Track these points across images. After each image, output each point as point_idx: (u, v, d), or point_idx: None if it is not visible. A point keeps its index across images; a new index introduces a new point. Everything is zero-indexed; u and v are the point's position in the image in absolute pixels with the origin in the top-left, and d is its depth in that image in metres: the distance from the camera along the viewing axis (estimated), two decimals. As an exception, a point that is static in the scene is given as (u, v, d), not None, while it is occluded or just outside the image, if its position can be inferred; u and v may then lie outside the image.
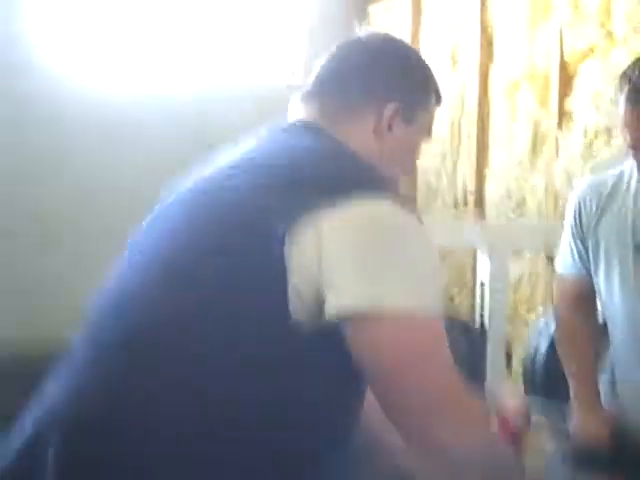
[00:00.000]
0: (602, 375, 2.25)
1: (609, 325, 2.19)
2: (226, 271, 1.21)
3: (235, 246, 1.21)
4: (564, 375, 2.29)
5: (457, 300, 4.01)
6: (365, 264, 1.18)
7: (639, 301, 2.05)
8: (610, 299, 2.12)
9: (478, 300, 2.66)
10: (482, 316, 2.66)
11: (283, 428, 1.21)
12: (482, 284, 2.62)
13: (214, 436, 1.19)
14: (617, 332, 2.15)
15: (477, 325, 2.65)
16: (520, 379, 2.56)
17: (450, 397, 1.22)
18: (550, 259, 3.67)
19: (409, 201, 1.26)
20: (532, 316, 3.71)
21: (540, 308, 3.71)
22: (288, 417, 1.21)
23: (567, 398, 2.28)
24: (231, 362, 1.20)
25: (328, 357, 1.22)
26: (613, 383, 2.22)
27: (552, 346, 2.56)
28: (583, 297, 2.20)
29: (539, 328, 2.70)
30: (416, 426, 1.22)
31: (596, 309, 2.22)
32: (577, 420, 2.23)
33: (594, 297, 2.19)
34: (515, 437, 2.31)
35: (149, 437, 1.19)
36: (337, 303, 1.17)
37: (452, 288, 4.01)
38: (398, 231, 1.22)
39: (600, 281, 2.13)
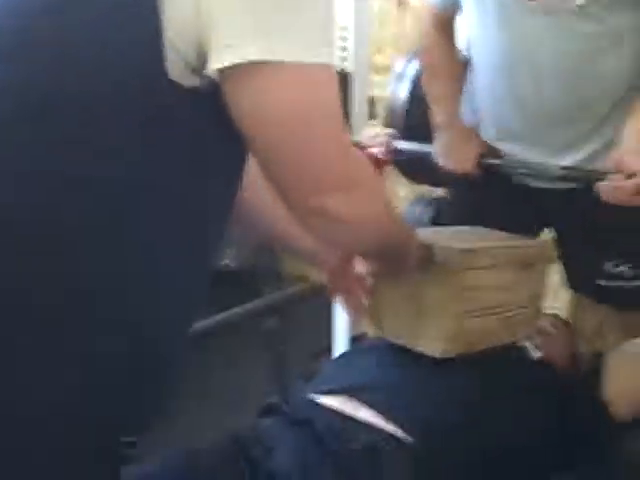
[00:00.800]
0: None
1: (476, 52, 2.07)
2: (90, 29, 1.00)
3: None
4: (425, 124, 2.20)
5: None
6: (252, 6, 0.99)
7: (517, 14, 1.90)
8: (483, 22, 1.97)
9: (339, 44, 2.47)
10: (344, 62, 2.49)
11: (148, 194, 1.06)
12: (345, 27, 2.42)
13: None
14: (485, 57, 2.03)
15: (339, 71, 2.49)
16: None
17: (344, 165, 1.10)
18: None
19: None
20: (380, 58, 3.59)
21: (389, 50, 3.59)
22: (158, 187, 1.06)
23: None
24: (103, 132, 1.02)
25: (207, 121, 1.06)
26: (474, 112, 2.14)
27: (412, 94, 2.48)
28: (449, 25, 2.11)
29: (398, 73, 2.57)
30: (304, 198, 1.09)
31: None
32: (444, 145, 2.15)
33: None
34: (377, 165, 2.22)
35: None
36: (220, 55, 0.99)
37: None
38: None
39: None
